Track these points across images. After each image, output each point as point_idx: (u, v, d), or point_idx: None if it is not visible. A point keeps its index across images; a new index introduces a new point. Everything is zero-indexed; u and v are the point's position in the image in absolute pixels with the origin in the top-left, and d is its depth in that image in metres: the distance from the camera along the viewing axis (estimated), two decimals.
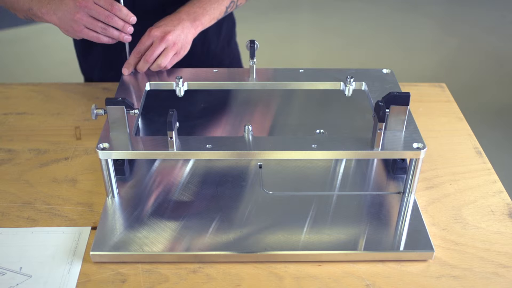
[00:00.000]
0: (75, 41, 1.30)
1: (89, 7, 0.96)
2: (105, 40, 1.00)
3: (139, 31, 1.01)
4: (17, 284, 0.79)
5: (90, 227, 0.88)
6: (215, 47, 1.31)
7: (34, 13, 1.02)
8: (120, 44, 1.05)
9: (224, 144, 0.84)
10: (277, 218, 0.88)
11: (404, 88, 1.15)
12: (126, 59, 1.04)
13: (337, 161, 1.00)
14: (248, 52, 1.01)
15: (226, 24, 1.33)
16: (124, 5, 1.00)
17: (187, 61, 1.10)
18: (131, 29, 1.00)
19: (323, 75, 1.05)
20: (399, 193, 0.93)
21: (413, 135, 0.87)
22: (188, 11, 1.05)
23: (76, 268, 0.81)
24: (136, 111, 0.87)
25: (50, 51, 3.19)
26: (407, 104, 0.86)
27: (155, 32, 0.99)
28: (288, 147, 0.84)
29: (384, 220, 0.87)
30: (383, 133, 0.85)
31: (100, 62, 1.28)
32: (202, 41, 1.26)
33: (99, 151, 0.83)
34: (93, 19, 0.97)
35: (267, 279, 0.80)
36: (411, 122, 0.89)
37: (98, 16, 0.97)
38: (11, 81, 1.91)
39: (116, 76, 1.09)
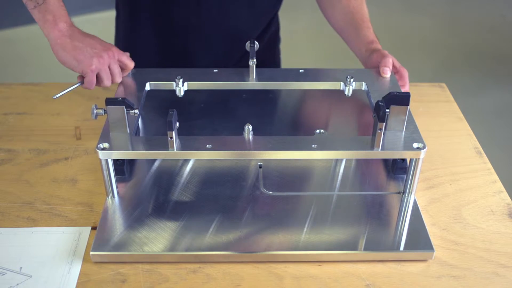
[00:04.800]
0: (119, 34, 1.31)
1: (114, 62, 0.99)
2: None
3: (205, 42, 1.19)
4: (17, 284, 0.79)
5: (90, 227, 0.88)
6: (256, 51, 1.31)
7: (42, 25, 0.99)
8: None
9: (224, 144, 0.84)
10: (277, 218, 0.88)
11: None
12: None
13: (337, 161, 1.00)
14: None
15: (271, 29, 1.32)
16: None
17: (224, 64, 1.14)
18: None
19: (323, 75, 1.05)
20: (399, 193, 0.93)
21: (413, 135, 0.87)
22: (377, 41, 1.13)
23: (76, 268, 0.81)
24: (136, 111, 0.87)
25: (51, 51, 3.19)
26: (407, 104, 0.86)
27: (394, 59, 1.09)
28: (288, 147, 0.84)
29: (384, 220, 0.87)
30: (383, 133, 0.85)
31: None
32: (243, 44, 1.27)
33: (99, 151, 0.83)
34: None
35: (267, 279, 0.80)
36: (411, 122, 0.89)
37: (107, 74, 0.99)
38: (11, 81, 1.90)
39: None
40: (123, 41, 1.30)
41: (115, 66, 0.99)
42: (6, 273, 0.80)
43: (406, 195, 0.91)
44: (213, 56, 1.25)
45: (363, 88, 1.03)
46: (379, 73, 1.05)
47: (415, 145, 0.85)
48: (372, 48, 1.10)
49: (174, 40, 1.24)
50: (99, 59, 0.95)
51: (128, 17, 1.27)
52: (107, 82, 0.98)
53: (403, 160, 0.96)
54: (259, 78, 1.03)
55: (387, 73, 1.03)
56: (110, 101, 0.85)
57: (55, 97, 0.97)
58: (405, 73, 1.06)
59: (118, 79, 1.01)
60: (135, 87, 1.00)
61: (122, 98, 0.85)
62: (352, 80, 1.00)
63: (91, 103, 1.20)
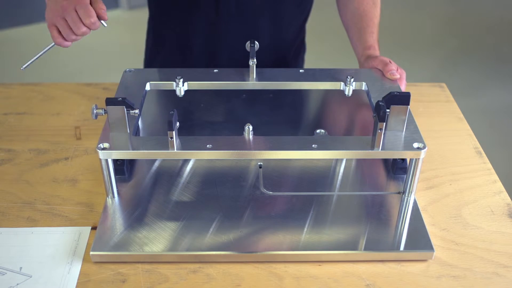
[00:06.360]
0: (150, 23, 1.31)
1: (68, 12, 0.89)
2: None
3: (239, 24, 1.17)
4: (17, 284, 0.79)
5: (90, 227, 0.88)
6: (281, 59, 1.30)
7: None
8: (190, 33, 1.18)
9: (224, 144, 0.84)
10: (277, 218, 0.88)
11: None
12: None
13: (337, 161, 1.00)
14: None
15: (297, 39, 1.31)
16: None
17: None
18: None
19: (323, 75, 1.05)
20: (399, 193, 0.93)
21: (414, 135, 0.87)
22: (376, 47, 1.14)
23: (76, 268, 0.81)
24: (136, 111, 0.87)
25: (50, 51, 3.19)
26: (408, 104, 0.86)
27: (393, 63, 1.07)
28: (288, 147, 0.84)
29: (384, 220, 0.87)
30: (384, 133, 0.85)
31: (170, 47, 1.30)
32: (273, 53, 1.26)
33: (99, 151, 0.83)
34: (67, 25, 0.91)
35: (267, 279, 0.80)
36: (411, 122, 0.89)
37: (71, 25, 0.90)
38: (11, 81, 1.91)
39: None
40: (149, 57, 1.32)
41: (70, 16, 0.88)
42: (6, 273, 0.80)
43: (406, 195, 0.91)
44: (235, 63, 1.23)
45: (363, 88, 1.03)
46: (379, 73, 1.05)
47: (415, 145, 0.85)
48: (367, 54, 1.10)
49: (197, 49, 1.24)
50: (52, 11, 0.89)
51: (152, 28, 1.29)
52: (66, 35, 0.90)
53: (403, 160, 0.96)
54: (259, 78, 1.03)
55: (397, 75, 1.03)
56: (110, 101, 0.85)
57: (23, 67, 0.96)
58: (403, 74, 1.06)
59: (76, 30, 0.89)
60: (135, 87, 1.00)
61: (122, 98, 0.85)
62: (352, 80, 1.00)
63: (91, 103, 1.20)
